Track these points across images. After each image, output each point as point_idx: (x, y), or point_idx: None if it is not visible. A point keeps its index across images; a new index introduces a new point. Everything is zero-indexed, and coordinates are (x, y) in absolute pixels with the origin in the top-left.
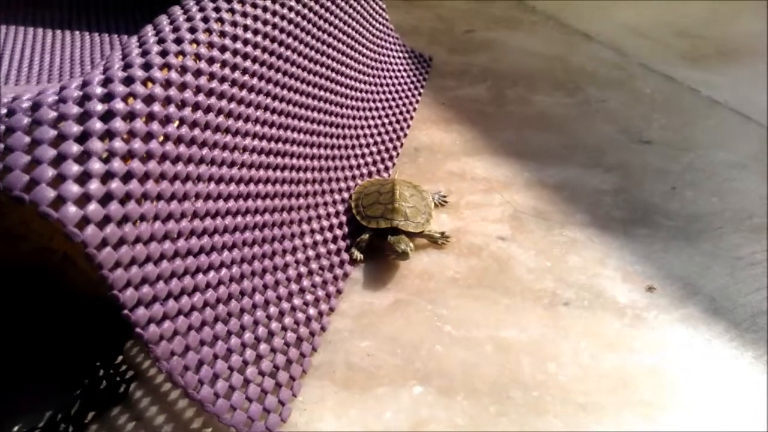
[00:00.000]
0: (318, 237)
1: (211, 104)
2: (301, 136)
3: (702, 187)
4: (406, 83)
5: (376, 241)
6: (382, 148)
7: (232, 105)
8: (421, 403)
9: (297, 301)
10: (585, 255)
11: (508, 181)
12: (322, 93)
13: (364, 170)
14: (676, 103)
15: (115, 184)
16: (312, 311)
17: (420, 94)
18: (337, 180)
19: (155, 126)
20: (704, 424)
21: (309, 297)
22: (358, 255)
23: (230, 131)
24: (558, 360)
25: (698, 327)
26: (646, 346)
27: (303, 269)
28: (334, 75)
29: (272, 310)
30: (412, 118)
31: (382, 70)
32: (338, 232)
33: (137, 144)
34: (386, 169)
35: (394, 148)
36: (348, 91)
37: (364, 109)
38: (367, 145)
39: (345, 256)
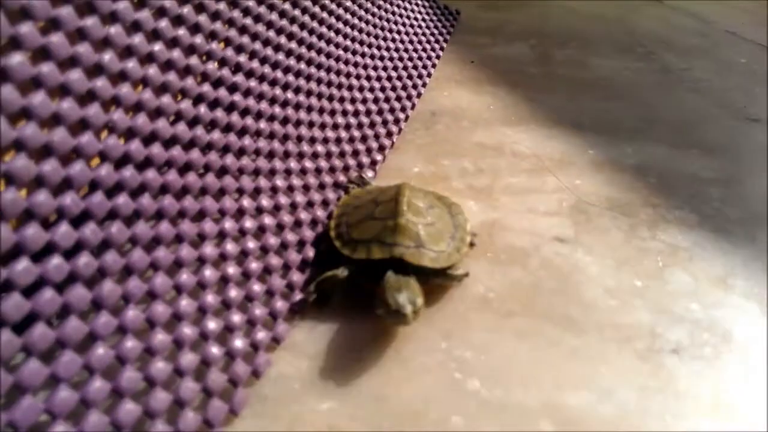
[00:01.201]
0: (250, 244)
1: None
2: (255, 65)
3: None
4: (424, 33)
5: (367, 283)
6: (386, 106)
7: None
8: None
9: (212, 325)
10: (695, 272)
11: (565, 159)
12: (301, 15)
13: (356, 133)
14: None
15: None
16: (238, 343)
17: (442, 48)
18: (313, 141)
19: None
20: None
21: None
22: (313, 296)
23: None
24: None
25: None
26: None
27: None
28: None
29: (158, 338)
30: (429, 75)
31: (393, 14)
32: (290, 237)
33: None
34: (389, 134)
35: (402, 108)
36: (344, 27)
37: (363, 55)
38: (364, 101)
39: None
